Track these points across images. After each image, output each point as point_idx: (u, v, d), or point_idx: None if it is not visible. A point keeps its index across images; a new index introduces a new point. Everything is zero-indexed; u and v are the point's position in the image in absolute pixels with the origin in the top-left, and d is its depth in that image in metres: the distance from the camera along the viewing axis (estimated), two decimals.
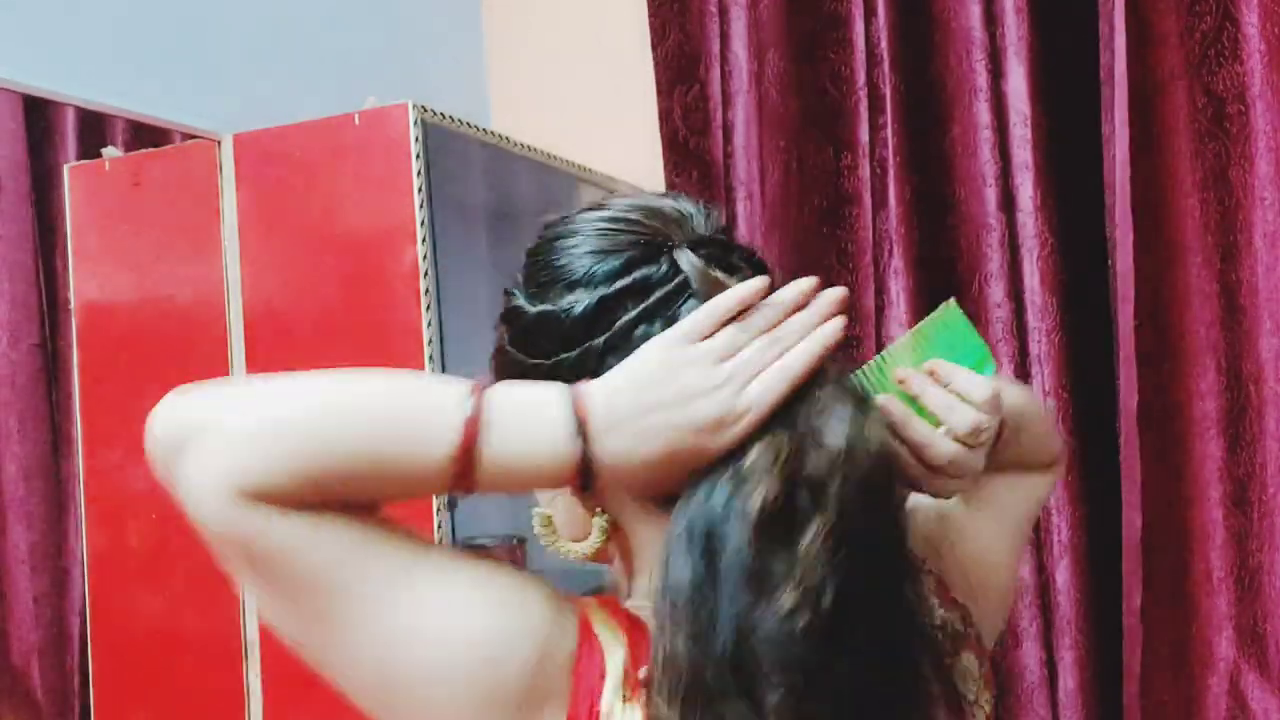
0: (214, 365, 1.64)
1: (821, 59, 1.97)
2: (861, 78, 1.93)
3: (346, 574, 0.65)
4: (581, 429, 0.65)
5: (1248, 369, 1.68)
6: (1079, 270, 1.80)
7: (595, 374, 0.69)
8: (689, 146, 2.10)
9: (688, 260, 0.73)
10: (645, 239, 0.74)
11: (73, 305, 1.63)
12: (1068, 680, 1.76)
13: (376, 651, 0.66)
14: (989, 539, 0.89)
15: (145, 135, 1.66)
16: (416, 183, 1.55)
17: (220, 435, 0.65)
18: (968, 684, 0.78)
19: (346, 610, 0.65)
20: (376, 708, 0.68)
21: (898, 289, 1.86)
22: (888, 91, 1.87)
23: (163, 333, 1.69)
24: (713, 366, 0.67)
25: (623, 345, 0.71)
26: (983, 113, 1.84)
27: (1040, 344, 1.79)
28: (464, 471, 0.65)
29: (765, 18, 1.98)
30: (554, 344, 0.73)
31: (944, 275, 1.86)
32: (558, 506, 0.77)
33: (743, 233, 2.02)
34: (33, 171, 1.59)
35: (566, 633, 0.68)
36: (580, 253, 0.75)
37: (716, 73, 2.07)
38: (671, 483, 0.68)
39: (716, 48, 2.07)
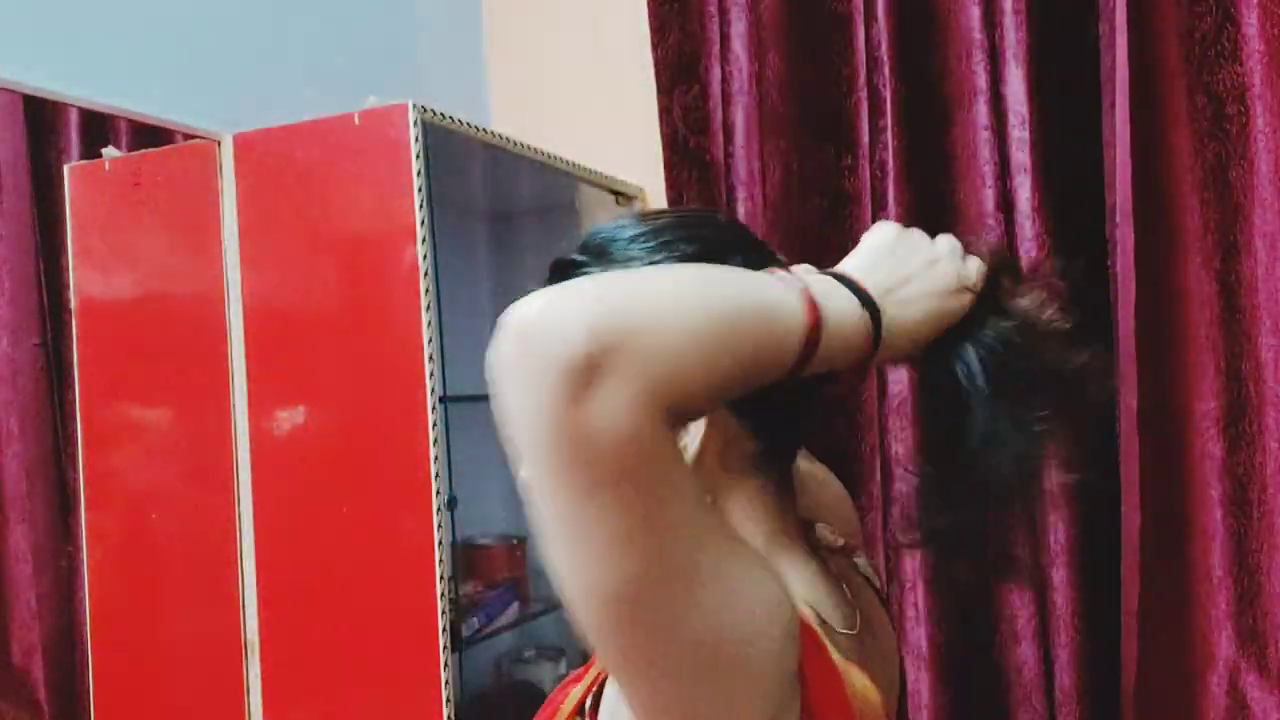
0: (214, 364, 1.64)
1: (822, 60, 1.97)
2: (862, 79, 1.93)
3: (704, 522, 0.64)
4: (869, 301, 0.71)
5: (1248, 369, 1.68)
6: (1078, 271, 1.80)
7: None
8: (689, 146, 2.10)
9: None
10: (713, 221, 0.85)
11: (73, 305, 1.63)
12: (1064, 678, 1.76)
13: (711, 609, 0.63)
14: None
15: (145, 135, 1.66)
16: (416, 183, 1.55)
17: (651, 346, 0.58)
18: None
19: (699, 559, 0.62)
20: (688, 672, 0.64)
21: None
22: (888, 93, 1.87)
23: (163, 332, 1.69)
24: (931, 242, 0.79)
25: None
26: (982, 114, 1.84)
27: None
28: (810, 352, 0.66)
29: (766, 18, 1.99)
30: None
31: None
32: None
33: None
34: (33, 171, 1.60)
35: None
36: (660, 224, 0.81)
37: (717, 73, 2.08)
38: (923, 346, 0.75)
39: (717, 48, 2.07)
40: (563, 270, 0.79)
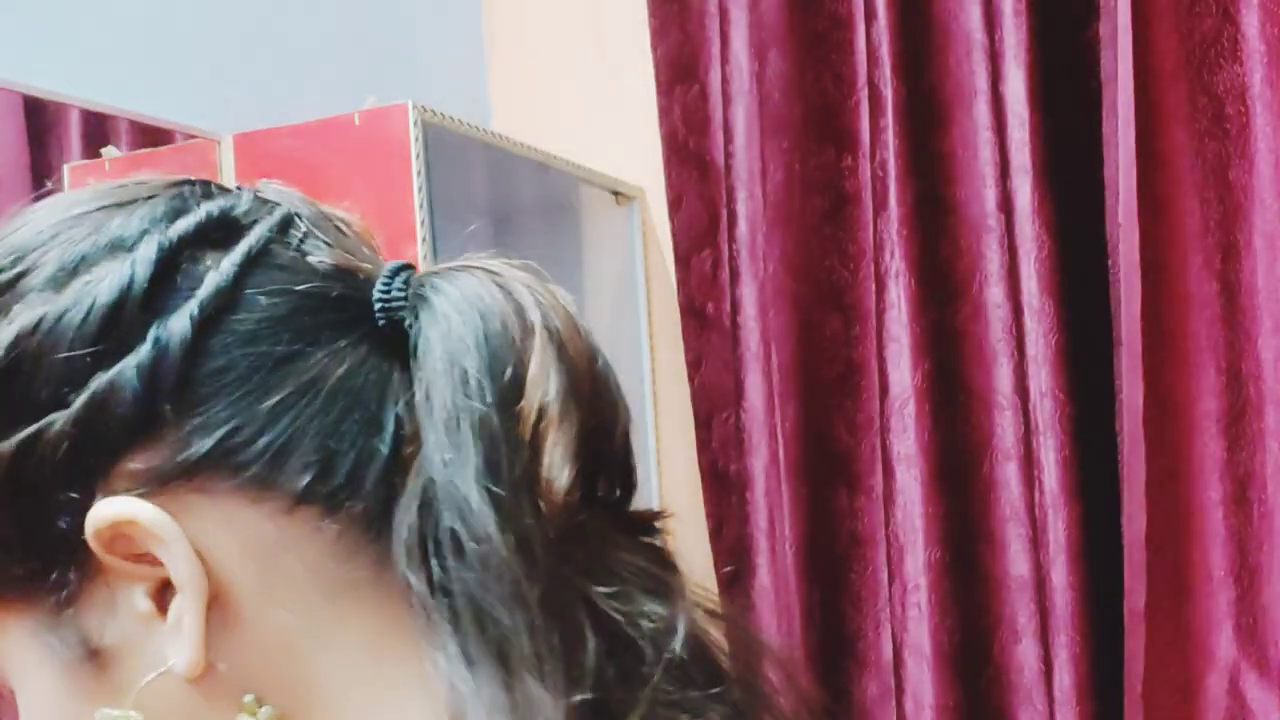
0: None
1: (823, 60, 1.97)
2: (862, 79, 1.93)
3: None
4: None
5: (1248, 369, 1.68)
6: (1077, 272, 1.80)
7: (185, 379, 0.42)
8: (689, 146, 2.10)
9: (275, 190, 0.50)
10: (158, 188, 0.47)
11: None
12: (1064, 677, 1.76)
13: None
14: None
15: (145, 135, 1.66)
16: (416, 183, 1.55)
17: None
18: None
19: None
20: None
21: (898, 290, 1.86)
22: (888, 93, 1.87)
23: None
24: None
25: (231, 307, 0.43)
26: (983, 115, 1.84)
27: (1038, 345, 1.79)
28: None
29: (766, 18, 1.98)
30: (80, 367, 0.42)
31: (944, 276, 1.87)
32: (158, 701, 0.43)
33: (744, 233, 2.02)
34: (33, 171, 1.60)
35: None
36: (71, 229, 0.45)
37: (717, 73, 2.07)
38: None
39: (717, 48, 2.07)
40: None
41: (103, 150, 1.64)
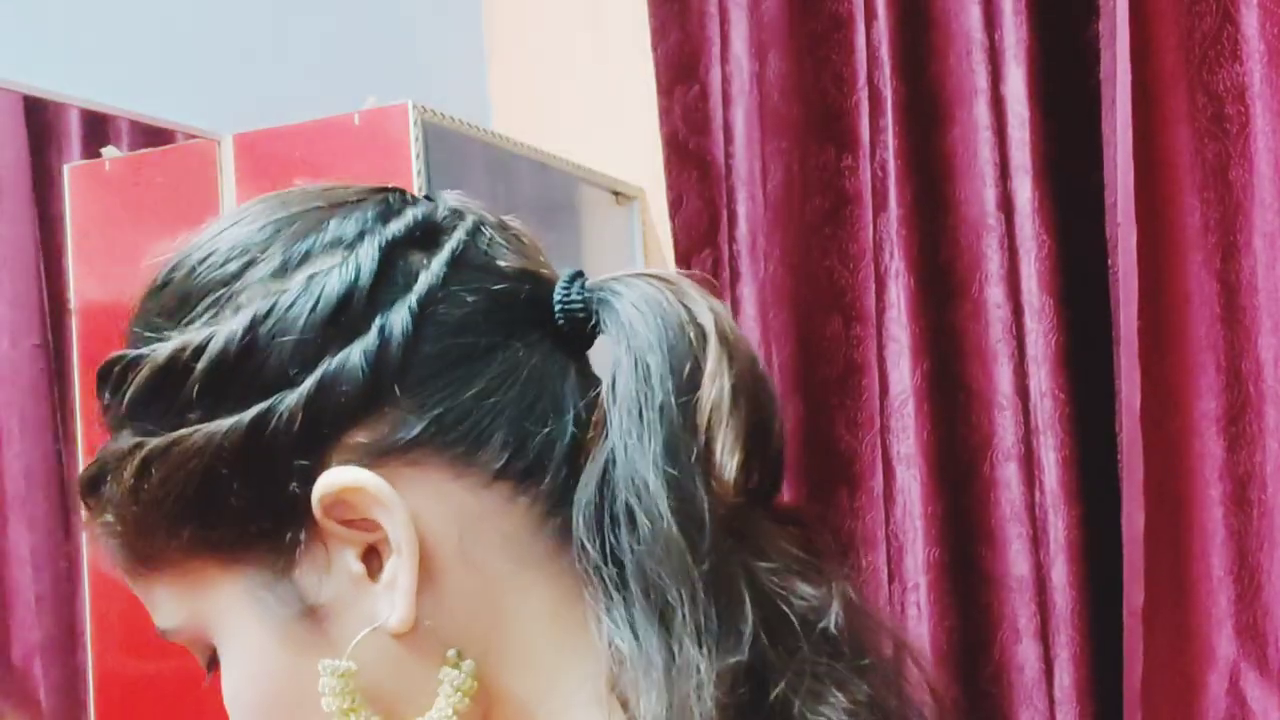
0: None
1: (823, 60, 1.97)
2: (862, 79, 1.93)
3: None
4: None
5: (1247, 368, 1.68)
6: (1077, 272, 1.80)
7: (404, 366, 0.48)
8: (689, 146, 2.10)
9: (458, 199, 0.55)
10: (364, 193, 0.54)
11: (73, 306, 1.63)
12: (1064, 677, 1.77)
13: None
14: None
15: (145, 135, 1.66)
16: (416, 183, 1.55)
17: None
18: None
19: None
20: None
21: (898, 290, 1.86)
22: (888, 93, 1.87)
23: None
24: None
25: (441, 301, 0.49)
26: (983, 114, 1.84)
27: (1038, 345, 1.79)
28: None
29: (766, 18, 1.99)
30: (309, 351, 0.48)
31: (944, 276, 1.87)
32: (370, 655, 0.48)
33: (744, 233, 2.02)
34: (33, 172, 1.60)
35: None
36: (290, 227, 0.51)
37: (717, 73, 2.08)
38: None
39: (717, 48, 2.07)
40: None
41: (103, 150, 1.64)
